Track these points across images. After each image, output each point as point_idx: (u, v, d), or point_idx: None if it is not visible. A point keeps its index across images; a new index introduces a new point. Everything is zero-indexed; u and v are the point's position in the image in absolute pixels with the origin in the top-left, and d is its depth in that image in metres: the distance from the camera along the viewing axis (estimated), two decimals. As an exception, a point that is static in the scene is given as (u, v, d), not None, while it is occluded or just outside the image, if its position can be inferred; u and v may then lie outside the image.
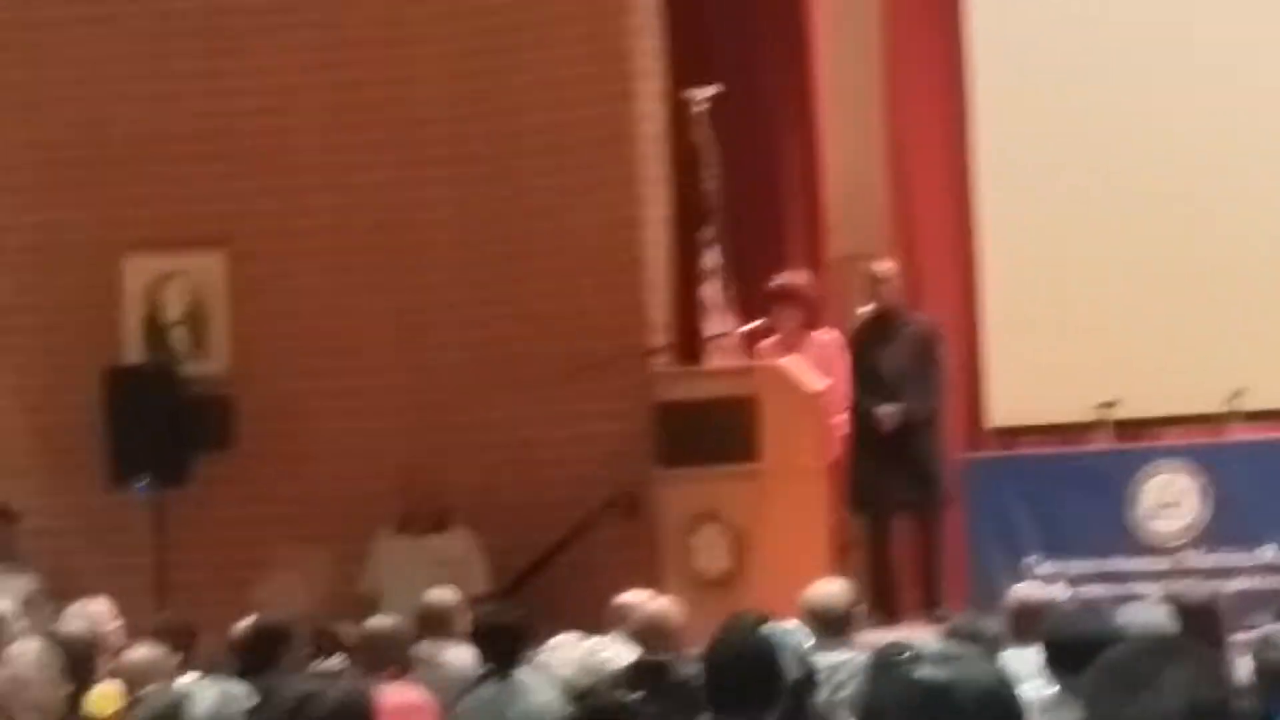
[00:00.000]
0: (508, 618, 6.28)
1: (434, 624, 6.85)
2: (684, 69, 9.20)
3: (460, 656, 6.43)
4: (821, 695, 4.78)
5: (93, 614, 7.01)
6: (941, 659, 2.58)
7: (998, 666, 2.83)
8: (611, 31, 9.35)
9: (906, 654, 2.61)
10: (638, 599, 6.66)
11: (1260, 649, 5.01)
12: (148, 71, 9.83)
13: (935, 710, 2.35)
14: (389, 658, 6.23)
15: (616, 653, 5.75)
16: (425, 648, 6.70)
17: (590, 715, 4.54)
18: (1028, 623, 5.96)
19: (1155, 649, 2.39)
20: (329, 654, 6.64)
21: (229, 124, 9.60)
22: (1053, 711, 4.27)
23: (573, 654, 5.68)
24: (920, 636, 6.21)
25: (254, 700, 4.75)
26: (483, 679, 5.75)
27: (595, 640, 5.95)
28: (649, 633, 6.23)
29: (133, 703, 5.49)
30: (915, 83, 9.82)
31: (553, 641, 5.92)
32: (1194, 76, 9.08)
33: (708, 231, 8.60)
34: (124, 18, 9.83)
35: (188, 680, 5.54)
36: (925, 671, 2.49)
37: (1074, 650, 4.46)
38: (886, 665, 2.90)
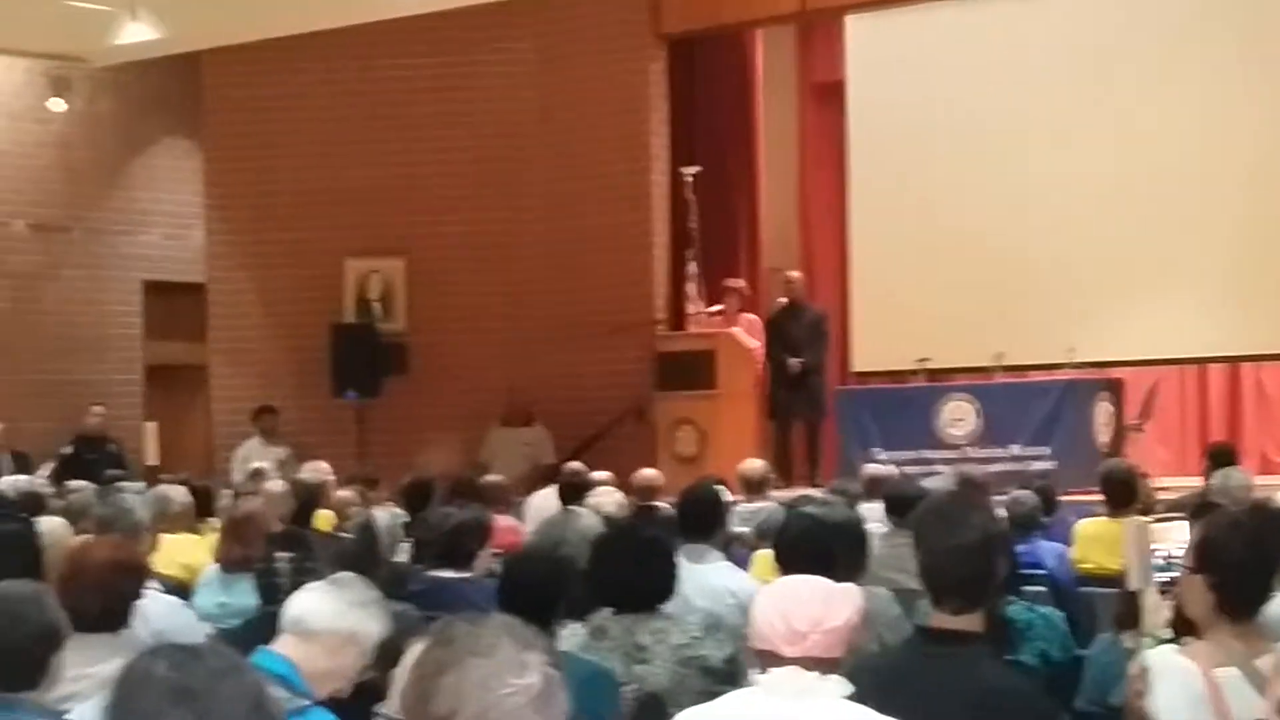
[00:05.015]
0: (574, 479, 7.90)
1: (531, 480, 9.30)
2: (679, 154, 11.89)
3: (545, 496, 8.09)
4: (747, 528, 6.43)
5: (319, 469, 8.57)
6: (821, 504, 4.06)
7: (854, 510, 4.21)
8: (638, 132, 12.02)
9: (802, 503, 4.21)
10: (642, 471, 8.26)
11: (1011, 505, 6.25)
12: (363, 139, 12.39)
13: (816, 531, 3.48)
14: (498, 499, 7.70)
15: (628, 500, 7.24)
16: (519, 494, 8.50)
17: (614, 530, 5.16)
18: (874, 486, 7.31)
19: (959, 500, 3.17)
20: (463, 497, 7.30)
21: (404, 178, 12.29)
22: (889, 539, 5.13)
23: (607, 499, 6.96)
24: (807, 494, 6.70)
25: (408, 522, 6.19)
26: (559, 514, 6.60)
27: (619, 493, 7.26)
28: (647, 490, 7.87)
29: (342, 521, 6.80)
30: (816, 164, 12.61)
31: (596, 491, 7.25)
32: (989, 177, 10.92)
33: (689, 253, 11.12)
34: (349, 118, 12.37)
35: (374, 510, 6.57)
36: (809, 509, 3.78)
37: (901, 502, 5.59)
38: (791, 509, 4.54)
